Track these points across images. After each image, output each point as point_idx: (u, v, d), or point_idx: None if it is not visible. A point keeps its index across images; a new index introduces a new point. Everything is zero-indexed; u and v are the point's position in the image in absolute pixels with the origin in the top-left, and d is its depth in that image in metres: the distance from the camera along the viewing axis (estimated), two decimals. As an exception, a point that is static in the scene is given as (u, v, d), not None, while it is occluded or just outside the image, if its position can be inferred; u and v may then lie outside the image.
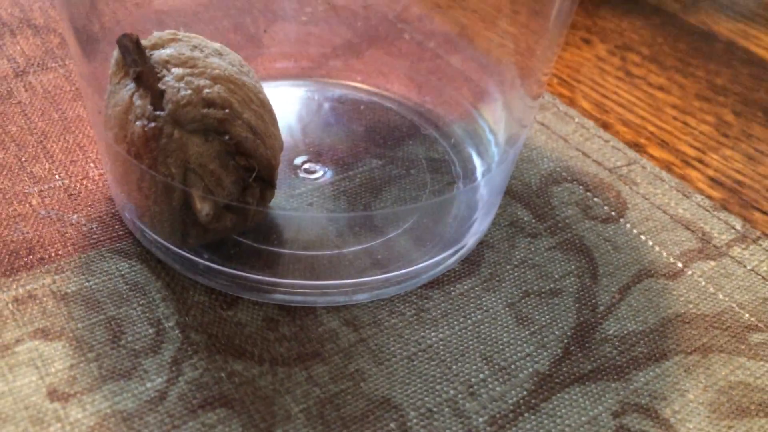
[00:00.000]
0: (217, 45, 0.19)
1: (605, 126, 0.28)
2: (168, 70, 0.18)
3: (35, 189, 0.21)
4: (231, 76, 0.18)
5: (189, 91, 0.17)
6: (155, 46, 0.18)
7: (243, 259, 0.19)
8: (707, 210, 0.24)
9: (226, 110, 0.17)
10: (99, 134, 0.20)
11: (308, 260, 0.20)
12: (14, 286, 0.18)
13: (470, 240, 0.21)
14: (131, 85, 0.18)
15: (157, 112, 0.17)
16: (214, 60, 0.18)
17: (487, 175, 0.22)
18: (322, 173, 0.22)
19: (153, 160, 0.17)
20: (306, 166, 0.22)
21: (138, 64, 0.17)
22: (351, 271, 0.19)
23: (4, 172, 0.21)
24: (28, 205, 0.20)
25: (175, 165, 0.17)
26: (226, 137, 0.17)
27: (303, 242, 0.20)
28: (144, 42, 0.18)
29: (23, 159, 0.22)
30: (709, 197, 0.25)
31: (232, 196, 0.18)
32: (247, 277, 0.19)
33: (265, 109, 0.19)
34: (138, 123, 0.17)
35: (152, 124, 0.17)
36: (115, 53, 0.18)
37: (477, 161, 0.23)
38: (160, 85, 0.17)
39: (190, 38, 0.19)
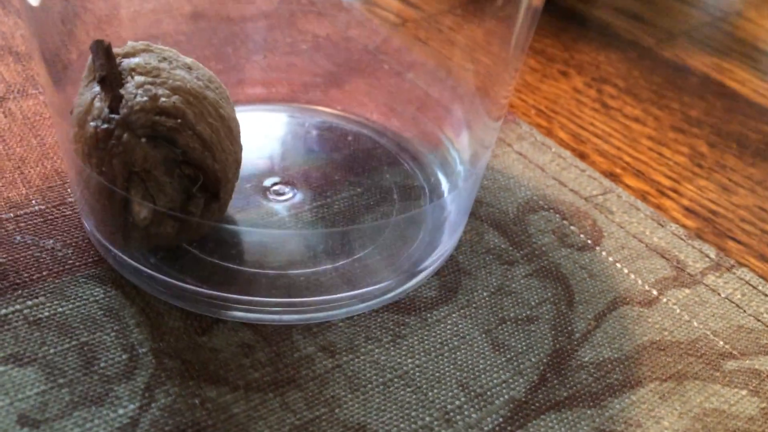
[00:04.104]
0: (189, 60, 0.19)
1: (582, 156, 0.28)
2: (132, 77, 0.18)
3: (11, 214, 0.21)
4: (192, 88, 0.18)
5: (145, 98, 0.18)
6: (127, 55, 0.19)
7: (207, 275, 0.19)
8: (682, 239, 0.24)
9: (179, 120, 0.18)
10: (69, 161, 0.20)
11: (277, 279, 0.20)
12: (-14, 312, 0.18)
13: (437, 258, 0.21)
14: (96, 89, 0.18)
15: (112, 115, 0.18)
16: (179, 72, 0.19)
17: (452, 193, 0.22)
18: (291, 195, 0.22)
19: (100, 160, 0.18)
20: (275, 188, 0.22)
21: (104, 68, 0.18)
22: (321, 289, 0.20)
23: (-20, 198, 0.21)
24: (3, 231, 0.20)
25: (120, 167, 0.18)
26: (175, 146, 0.18)
27: (272, 262, 0.20)
28: (118, 50, 0.19)
29: (0, 184, 0.22)
30: (684, 226, 0.25)
31: (174, 204, 0.18)
32: (208, 293, 0.19)
33: (222, 124, 0.19)
34: (92, 123, 0.18)
35: (104, 126, 0.18)
36: (90, 58, 0.19)
37: (445, 184, 0.24)
38: (121, 91, 0.18)
39: (162, 50, 0.19)
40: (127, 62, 0.18)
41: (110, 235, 0.19)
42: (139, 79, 0.18)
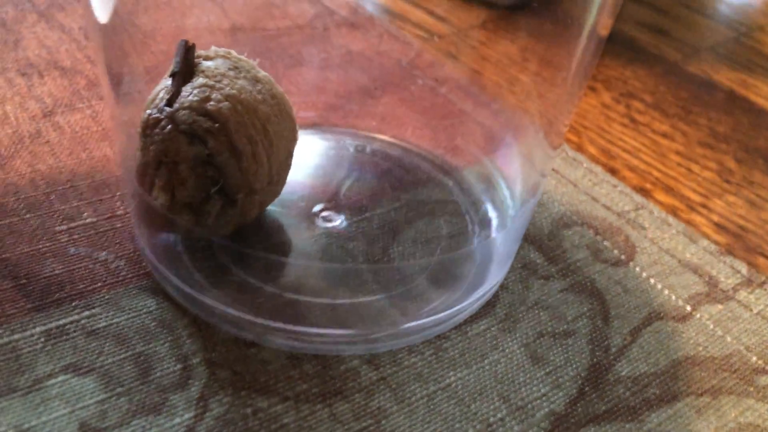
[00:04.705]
0: (262, 74, 0.20)
1: (612, 171, 0.28)
2: (198, 78, 0.19)
3: (64, 227, 0.21)
4: (245, 99, 0.19)
5: (196, 99, 0.19)
6: (207, 57, 0.20)
7: (259, 305, 0.20)
8: (713, 255, 0.24)
9: (217, 124, 0.19)
10: (127, 174, 0.21)
11: (329, 308, 0.20)
12: (46, 322, 0.19)
13: (488, 287, 0.21)
14: (167, 81, 0.19)
15: (166, 108, 0.19)
16: (241, 82, 0.19)
17: (503, 231, 0.22)
18: (339, 221, 0.23)
19: (144, 143, 0.19)
20: (324, 214, 0.23)
21: (178, 66, 0.19)
22: (370, 320, 0.20)
23: (34, 210, 0.22)
24: (57, 243, 0.21)
25: (154, 153, 0.19)
26: (206, 147, 0.19)
27: (321, 290, 0.20)
28: (202, 51, 0.20)
29: (52, 197, 0.22)
30: (715, 242, 0.25)
31: (192, 199, 0.19)
32: (253, 321, 0.19)
33: (265, 137, 0.20)
34: (148, 111, 0.19)
35: (156, 115, 0.19)
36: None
37: (489, 206, 0.24)
38: (183, 88, 0.19)
39: (239, 60, 0.20)
40: (203, 64, 0.19)
41: (136, 213, 0.21)
42: (201, 80, 0.19)
